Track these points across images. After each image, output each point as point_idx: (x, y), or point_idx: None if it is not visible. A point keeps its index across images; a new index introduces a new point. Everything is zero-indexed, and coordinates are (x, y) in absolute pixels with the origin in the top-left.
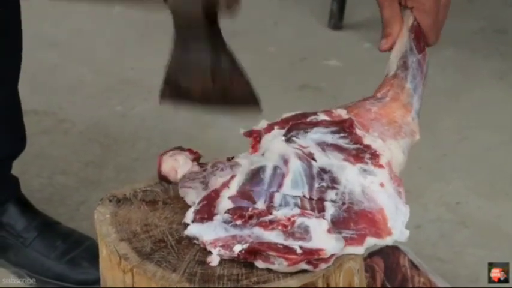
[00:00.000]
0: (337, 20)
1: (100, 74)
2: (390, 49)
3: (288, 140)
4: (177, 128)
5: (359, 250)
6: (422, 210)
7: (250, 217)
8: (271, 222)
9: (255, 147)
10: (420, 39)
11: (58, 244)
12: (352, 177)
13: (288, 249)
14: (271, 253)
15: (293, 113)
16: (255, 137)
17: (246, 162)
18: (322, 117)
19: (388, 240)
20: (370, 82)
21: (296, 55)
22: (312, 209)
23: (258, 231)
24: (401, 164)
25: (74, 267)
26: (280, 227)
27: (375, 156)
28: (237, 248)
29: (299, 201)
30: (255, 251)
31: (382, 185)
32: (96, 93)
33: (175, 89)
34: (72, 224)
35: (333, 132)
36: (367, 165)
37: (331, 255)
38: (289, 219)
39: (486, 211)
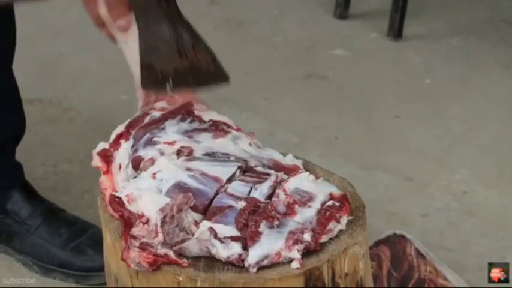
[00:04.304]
0: (343, 9)
1: (105, 63)
2: None
3: (151, 143)
4: None
5: None
6: (429, 199)
7: None
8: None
9: (108, 171)
10: None
11: (62, 231)
12: (233, 147)
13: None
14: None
15: (127, 122)
16: (107, 160)
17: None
18: (157, 112)
19: None
20: (375, 71)
21: (302, 45)
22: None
23: None
24: None
25: (78, 254)
26: None
27: (226, 125)
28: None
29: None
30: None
31: (250, 144)
32: (101, 82)
33: (151, 74)
34: (76, 212)
35: (182, 120)
36: (236, 132)
37: None
38: None
39: (493, 200)
